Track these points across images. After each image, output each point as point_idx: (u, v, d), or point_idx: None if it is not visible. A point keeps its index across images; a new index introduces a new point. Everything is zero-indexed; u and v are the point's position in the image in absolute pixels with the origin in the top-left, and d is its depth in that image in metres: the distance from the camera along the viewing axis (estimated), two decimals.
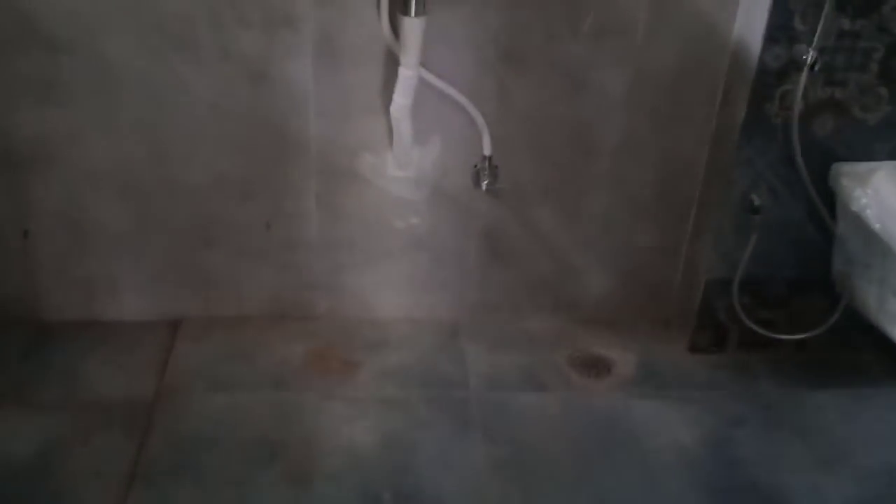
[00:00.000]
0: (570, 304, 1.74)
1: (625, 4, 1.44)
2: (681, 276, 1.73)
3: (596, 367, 1.65)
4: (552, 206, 1.63)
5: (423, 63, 1.40)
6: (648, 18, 1.45)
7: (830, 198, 1.52)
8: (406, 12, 1.30)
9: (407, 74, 1.36)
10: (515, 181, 1.58)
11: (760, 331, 1.64)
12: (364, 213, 1.60)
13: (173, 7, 1.37)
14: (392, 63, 1.42)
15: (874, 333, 1.52)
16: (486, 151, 1.53)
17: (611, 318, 1.75)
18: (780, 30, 1.40)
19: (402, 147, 1.50)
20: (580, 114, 1.54)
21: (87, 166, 1.51)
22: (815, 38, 1.40)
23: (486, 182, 1.55)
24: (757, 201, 1.56)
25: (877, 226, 1.41)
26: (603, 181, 1.61)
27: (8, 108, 1.44)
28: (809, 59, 1.41)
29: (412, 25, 1.31)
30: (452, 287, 1.71)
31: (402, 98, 1.39)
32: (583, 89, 1.51)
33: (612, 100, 1.52)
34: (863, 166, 1.49)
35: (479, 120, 1.49)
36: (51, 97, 1.43)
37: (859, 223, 1.45)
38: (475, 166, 1.56)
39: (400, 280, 1.69)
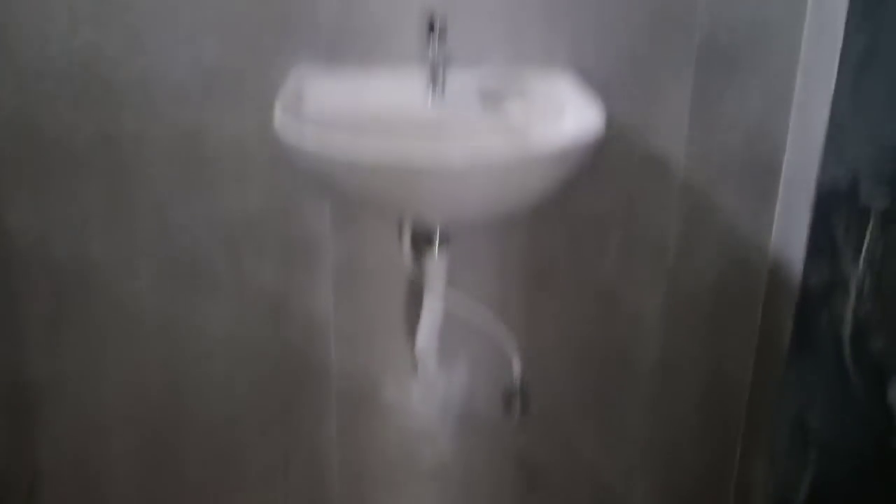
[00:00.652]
0: None
1: (655, 221, 1.39)
2: (735, 501, 1.57)
3: None
4: (590, 430, 1.52)
5: (449, 284, 1.35)
6: (680, 234, 1.40)
7: (890, 418, 1.40)
8: (428, 246, 1.26)
9: (432, 306, 1.31)
10: (549, 405, 1.48)
11: None
12: (387, 444, 1.50)
13: (190, 242, 1.35)
14: (416, 286, 1.37)
15: None
16: (517, 375, 1.45)
17: None
18: (821, 244, 1.34)
19: (427, 375, 1.42)
20: (614, 334, 1.46)
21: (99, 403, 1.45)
22: (863, 253, 1.34)
23: (517, 407, 1.46)
24: (811, 423, 1.44)
25: None
26: (643, 402, 1.50)
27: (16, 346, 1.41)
28: (856, 273, 1.34)
29: (435, 259, 1.27)
30: None
31: (428, 330, 1.33)
32: (616, 308, 1.44)
33: (647, 318, 1.45)
34: None
35: (508, 342, 1.42)
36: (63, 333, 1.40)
37: None
38: (505, 391, 1.47)
39: None
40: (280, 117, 1.07)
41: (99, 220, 1.33)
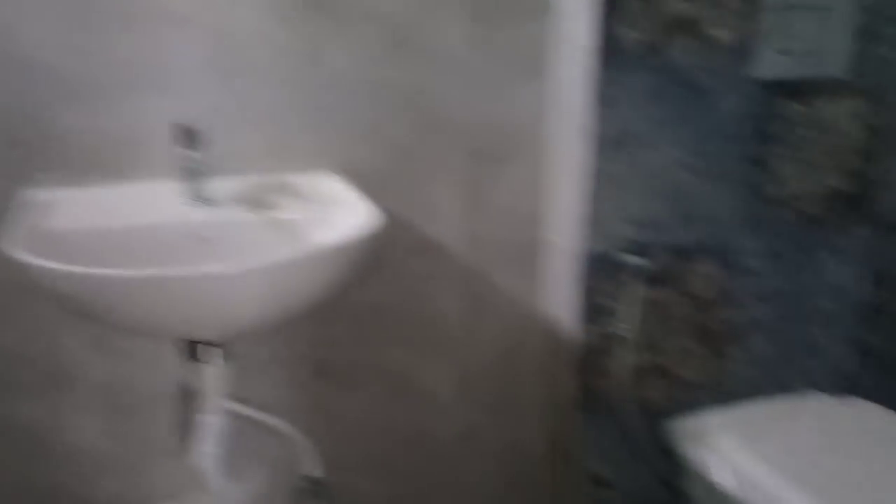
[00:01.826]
0: None
1: (439, 303, 1.40)
2: None
3: None
4: None
5: (231, 391, 1.26)
6: (464, 313, 1.42)
7: (672, 459, 1.50)
8: (201, 360, 1.17)
9: (211, 421, 1.21)
10: (355, 494, 1.43)
11: None
12: None
13: None
14: (190, 401, 1.26)
15: None
16: (312, 472, 1.39)
17: None
18: (594, 309, 1.41)
19: (214, 490, 1.31)
20: (412, 416, 1.44)
21: None
22: (628, 310, 1.43)
23: (313, 501, 1.39)
24: (607, 472, 1.51)
25: (720, 480, 1.38)
26: (447, 482, 1.49)
27: None
28: (623, 330, 1.43)
29: (211, 372, 1.18)
30: None
31: (208, 445, 1.22)
32: (409, 391, 1.43)
33: (441, 397, 1.45)
34: (692, 422, 1.48)
35: (302, 441, 1.36)
36: None
37: (704, 480, 1.41)
38: (305, 489, 1.40)
39: None
40: (12, 239, 0.95)
41: None
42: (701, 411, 1.50)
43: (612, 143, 1.32)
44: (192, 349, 1.18)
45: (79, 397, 1.24)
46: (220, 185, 1.16)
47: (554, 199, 1.40)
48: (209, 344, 1.17)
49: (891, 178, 1.50)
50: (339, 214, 1.15)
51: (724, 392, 1.53)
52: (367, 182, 1.22)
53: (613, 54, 1.28)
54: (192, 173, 1.13)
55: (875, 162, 1.49)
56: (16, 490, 1.25)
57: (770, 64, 1.40)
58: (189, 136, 1.12)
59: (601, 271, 1.40)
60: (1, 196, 1.11)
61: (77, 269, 0.91)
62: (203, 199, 1.15)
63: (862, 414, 1.51)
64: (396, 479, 1.47)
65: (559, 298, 1.43)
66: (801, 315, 1.54)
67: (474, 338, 1.43)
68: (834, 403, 1.55)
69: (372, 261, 1.14)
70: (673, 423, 1.50)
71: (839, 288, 1.55)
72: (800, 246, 1.49)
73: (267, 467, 1.38)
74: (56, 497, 1.27)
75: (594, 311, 1.42)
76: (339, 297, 1.24)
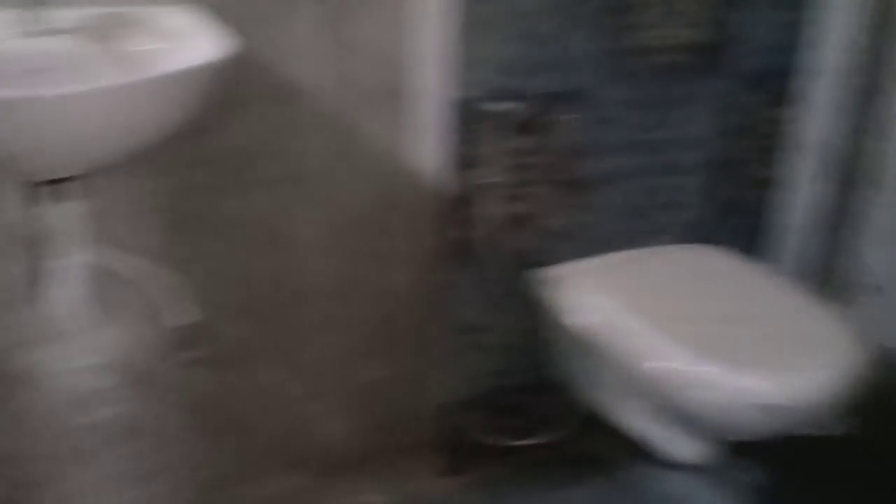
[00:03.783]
0: (314, 457, 1.62)
1: (302, 150, 1.39)
2: (421, 404, 1.68)
3: None
4: (270, 362, 1.52)
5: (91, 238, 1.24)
6: (331, 159, 1.42)
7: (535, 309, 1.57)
8: (47, 198, 1.14)
9: (64, 262, 1.19)
10: (222, 343, 1.46)
11: (507, 442, 1.64)
12: (44, 417, 1.37)
13: None
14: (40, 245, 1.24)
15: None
16: (184, 319, 1.40)
17: (359, 461, 1.65)
18: (457, 155, 1.44)
19: (77, 334, 1.31)
20: (282, 265, 1.46)
21: None
22: (493, 160, 1.46)
23: (188, 351, 1.41)
24: (474, 319, 1.57)
25: (575, 322, 1.46)
26: (321, 327, 1.53)
27: None
28: (490, 179, 1.47)
29: (61, 212, 1.16)
30: (176, 471, 1.52)
31: (64, 286, 1.21)
32: (279, 240, 1.43)
33: (313, 246, 1.46)
34: (553, 270, 1.55)
35: (171, 286, 1.36)
36: None
37: (561, 324, 1.50)
38: (173, 336, 1.41)
39: (108, 481, 1.47)
40: None
41: None
42: (563, 260, 1.58)
43: None
44: (42, 187, 1.15)
45: None
46: (61, 15, 1.10)
47: (419, 42, 1.38)
48: (60, 181, 1.15)
49: (746, 29, 1.55)
50: (189, 47, 1.11)
51: (587, 242, 1.60)
52: (225, 16, 1.18)
53: None
54: (29, 2, 1.07)
55: (733, 12, 1.53)
56: None
57: None
58: None
59: (468, 119, 1.42)
60: None
61: None
62: (41, 30, 1.09)
63: (715, 259, 1.61)
64: (265, 326, 1.49)
65: (426, 147, 1.44)
66: (659, 166, 1.61)
67: (341, 187, 1.43)
68: (689, 251, 1.65)
69: (225, 97, 1.12)
70: (536, 272, 1.57)
71: (697, 139, 1.62)
72: (658, 96, 1.54)
73: (134, 314, 1.38)
74: None
75: (461, 159, 1.44)
76: (199, 141, 1.23)
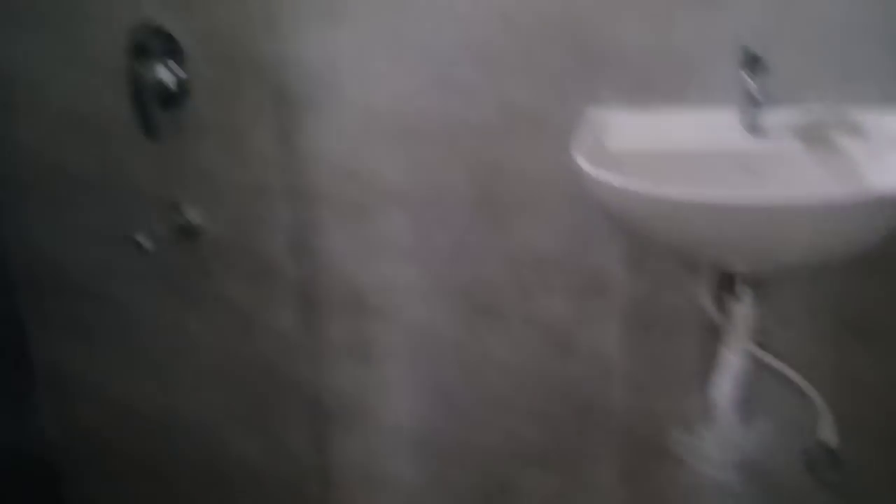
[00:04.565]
0: None
1: None
2: None
3: None
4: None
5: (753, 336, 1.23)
6: None
7: None
8: (734, 295, 1.16)
9: (733, 360, 1.20)
10: (858, 472, 1.30)
11: None
12: (675, 494, 1.41)
13: (482, 274, 1.38)
14: (712, 334, 1.27)
15: None
16: (823, 436, 1.29)
17: None
18: None
19: (722, 427, 1.31)
20: None
21: (388, 422, 1.53)
22: None
23: (820, 470, 1.30)
24: None
25: None
26: None
27: (324, 368, 1.53)
28: None
29: (741, 307, 1.17)
30: None
31: (726, 383, 1.22)
32: None
33: None
34: None
35: (816, 401, 1.27)
36: (362, 357, 1.50)
37: None
38: (807, 452, 1.31)
39: None
40: (581, 153, 1.05)
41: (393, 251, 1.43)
42: None
43: None
44: (725, 281, 1.18)
45: (605, 307, 1.34)
46: (778, 115, 1.11)
47: None
48: (742, 278, 1.16)
49: None
50: None
51: None
52: None
53: None
54: (751, 100, 1.11)
55: None
56: (531, 378, 1.42)
57: None
58: (751, 61, 1.09)
59: None
60: (571, 111, 1.22)
61: (631, 184, 0.97)
62: (758, 129, 1.12)
63: None
64: None
65: None
66: None
67: None
68: None
69: None
70: None
71: None
72: None
73: (778, 421, 1.33)
74: (569, 392, 1.41)
75: None
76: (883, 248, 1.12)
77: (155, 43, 1.39)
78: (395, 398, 1.51)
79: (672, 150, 1.14)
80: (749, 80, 1.10)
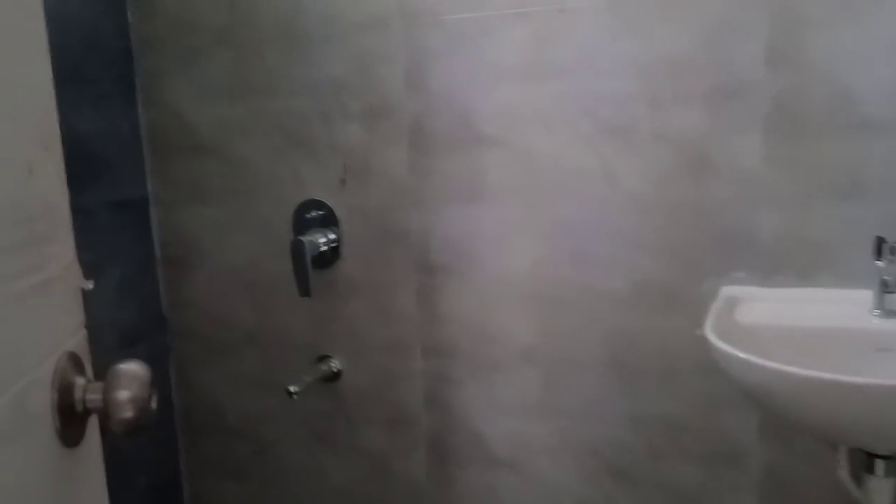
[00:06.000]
0: None
1: None
2: None
3: None
4: None
5: None
6: None
7: None
8: (871, 472, 1.15)
9: None
10: None
11: None
12: None
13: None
14: None
15: None
16: None
17: None
18: None
19: None
20: None
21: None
22: None
23: None
24: None
25: None
26: None
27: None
28: None
29: (879, 486, 1.15)
30: None
31: None
32: None
33: None
34: None
35: None
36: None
37: None
38: None
39: None
40: (712, 328, 1.11)
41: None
42: None
43: None
44: (863, 458, 1.17)
45: (740, 476, 1.34)
46: None
47: None
48: (881, 457, 1.15)
49: None
50: None
51: None
52: None
53: None
54: (885, 285, 1.13)
55: None
56: None
57: None
58: (886, 247, 1.13)
59: None
60: (708, 288, 1.30)
61: (758, 360, 1.01)
62: (890, 312, 1.14)
63: None
64: None
65: None
66: None
67: None
68: None
69: None
70: None
71: None
72: None
73: None
74: None
75: None
76: None
77: (315, 214, 1.57)
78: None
79: (802, 326, 1.17)
80: (884, 265, 1.14)
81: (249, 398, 1.72)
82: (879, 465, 1.15)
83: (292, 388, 1.58)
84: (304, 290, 1.54)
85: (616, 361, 1.40)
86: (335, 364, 1.63)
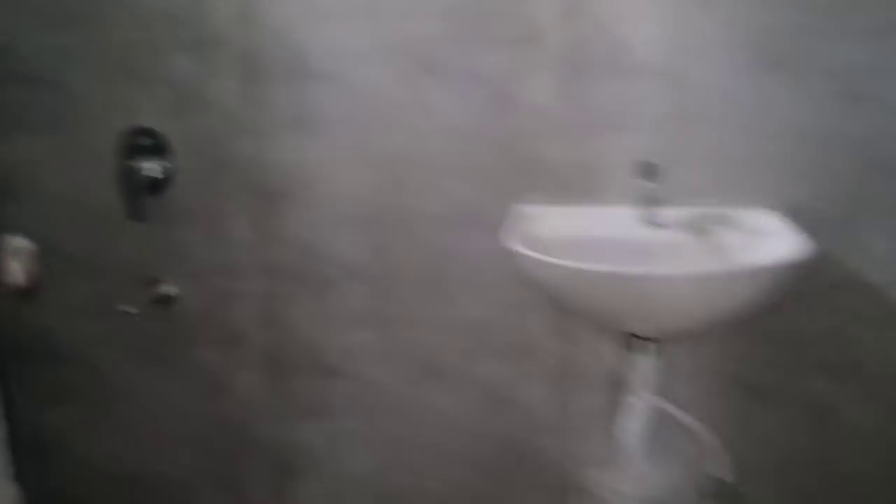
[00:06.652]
0: None
1: (862, 342, 1.45)
2: None
3: None
4: None
5: (657, 386, 1.48)
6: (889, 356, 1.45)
7: None
8: (636, 352, 1.42)
9: (636, 407, 1.45)
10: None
11: None
12: None
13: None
14: (620, 386, 1.51)
15: None
16: (720, 474, 1.53)
17: None
18: None
19: (629, 467, 1.54)
20: (828, 446, 1.50)
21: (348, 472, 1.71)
22: None
23: (718, 502, 1.54)
24: None
25: None
26: None
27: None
28: None
29: (640, 363, 1.42)
30: None
31: (632, 427, 1.46)
32: (830, 422, 1.49)
33: (861, 430, 1.48)
34: None
35: (714, 443, 1.52)
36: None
37: None
38: (706, 486, 1.55)
39: None
40: (515, 239, 1.31)
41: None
42: None
43: None
44: (630, 341, 1.44)
45: (533, 367, 1.59)
46: (669, 213, 1.40)
47: None
48: (645, 339, 1.42)
49: None
50: (769, 244, 1.30)
51: None
52: (802, 221, 1.36)
53: None
54: (647, 201, 1.39)
55: None
56: (471, 432, 1.64)
57: None
58: (648, 170, 1.38)
59: None
60: (504, 208, 1.50)
61: (553, 260, 1.23)
62: (654, 223, 1.40)
63: None
64: (802, 499, 1.55)
65: None
66: None
67: None
68: None
69: (795, 288, 1.28)
70: None
71: None
72: None
73: (679, 461, 1.57)
74: (503, 445, 1.63)
75: None
76: (764, 319, 1.40)
77: (147, 142, 1.61)
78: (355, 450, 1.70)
79: (585, 236, 1.41)
80: (646, 184, 1.39)
81: (81, 323, 1.75)
82: (644, 346, 1.42)
83: (131, 309, 1.64)
84: (135, 215, 1.59)
85: (434, 275, 1.58)
86: (170, 288, 1.69)
